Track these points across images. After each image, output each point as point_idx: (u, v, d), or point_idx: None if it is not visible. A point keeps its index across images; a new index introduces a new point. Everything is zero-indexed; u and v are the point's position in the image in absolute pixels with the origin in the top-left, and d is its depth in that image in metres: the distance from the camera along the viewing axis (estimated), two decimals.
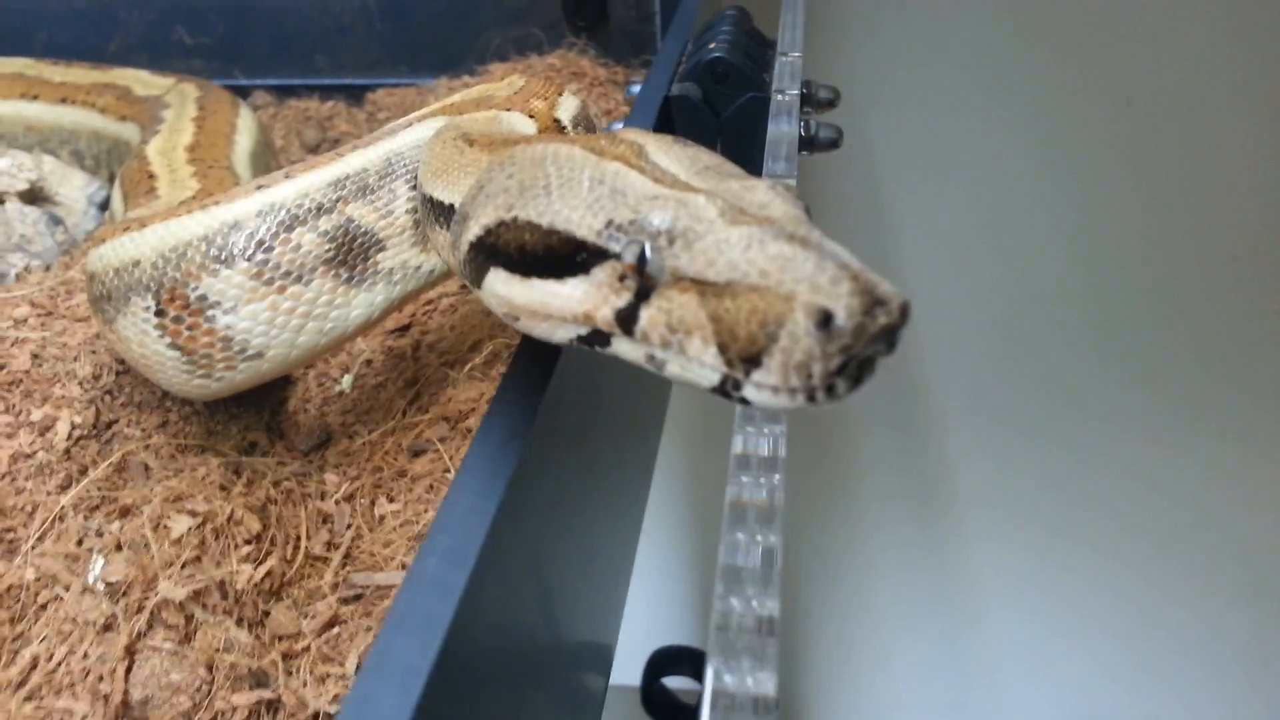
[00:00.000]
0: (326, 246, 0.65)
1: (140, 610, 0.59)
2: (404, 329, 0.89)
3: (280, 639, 0.63)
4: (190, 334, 0.65)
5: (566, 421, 0.58)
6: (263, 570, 0.65)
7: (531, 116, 0.70)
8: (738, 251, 0.39)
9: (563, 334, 0.47)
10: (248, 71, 1.43)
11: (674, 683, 0.94)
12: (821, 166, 1.69)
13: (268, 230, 0.64)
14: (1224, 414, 1.80)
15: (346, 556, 0.69)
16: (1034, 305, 1.81)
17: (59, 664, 0.57)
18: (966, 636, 2.04)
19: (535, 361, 0.53)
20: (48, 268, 0.99)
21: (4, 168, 1.02)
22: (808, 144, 0.91)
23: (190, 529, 0.65)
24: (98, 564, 0.62)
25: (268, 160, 1.09)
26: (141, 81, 1.22)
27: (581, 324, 0.45)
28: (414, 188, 0.67)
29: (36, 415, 0.73)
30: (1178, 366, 1.79)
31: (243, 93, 1.33)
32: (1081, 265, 1.77)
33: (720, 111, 0.94)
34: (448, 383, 0.80)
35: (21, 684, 0.56)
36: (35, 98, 1.22)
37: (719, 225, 0.41)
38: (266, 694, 0.58)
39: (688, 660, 0.95)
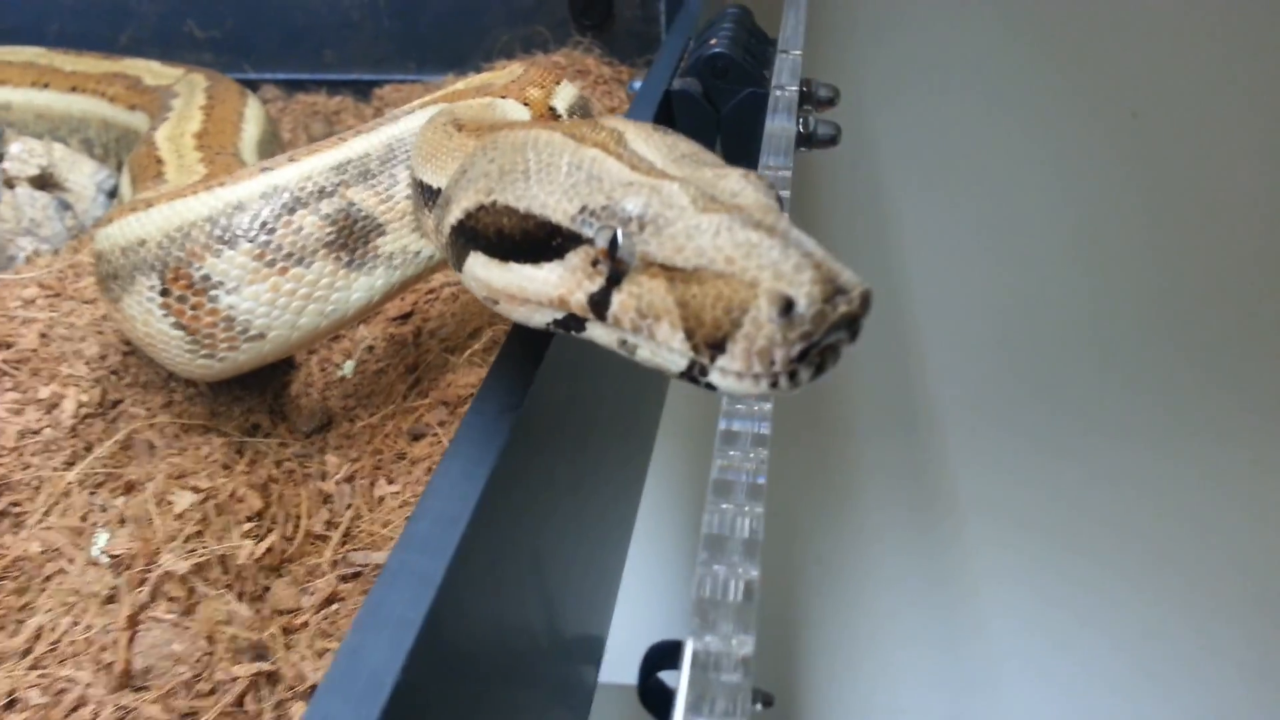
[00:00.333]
0: (328, 229, 0.66)
1: (143, 583, 0.60)
2: (406, 316, 0.91)
3: (280, 613, 0.64)
4: (194, 314, 0.66)
5: (559, 403, 0.59)
6: (264, 546, 0.66)
7: (526, 104, 0.71)
8: (706, 238, 0.40)
9: (540, 318, 0.48)
10: (257, 65, 1.44)
11: (670, 677, 0.95)
12: (827, 173, 1.70)
13: (271, 212, 0.65)
14: (1226, 424, 1.80)
15: (346, 535, 0.70)
16: (1037, 314, 1.81)
17: (63, 634, 0.58)
18: (966, 645, 2.04)
19: (527, 345, 0.54)
20: (56, 252, 1.00)
21: (15, 153, 1.04)
22: (806, 140, 0.92)
23: (193, 505, 0.66)
24: (102, 537, 0.63)
25: (275, 149, 1.11)
26: (152, 71, 1.24)
27: (557, 308, 0.45)
28: None
29: (44, 393, 0.74)
30: (1180, 376, 1.79)
31: (252, 86, 1.34)
32: (1084, 274, 1.78)
33: (720, 106, 0.95)
34: (448, 368, 0.81)
35: (26, 652, 0.57)
36: (46, 86, 1.24)
37: (689, 212, 0.41)
38: (266, 666, 0.59)
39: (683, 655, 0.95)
